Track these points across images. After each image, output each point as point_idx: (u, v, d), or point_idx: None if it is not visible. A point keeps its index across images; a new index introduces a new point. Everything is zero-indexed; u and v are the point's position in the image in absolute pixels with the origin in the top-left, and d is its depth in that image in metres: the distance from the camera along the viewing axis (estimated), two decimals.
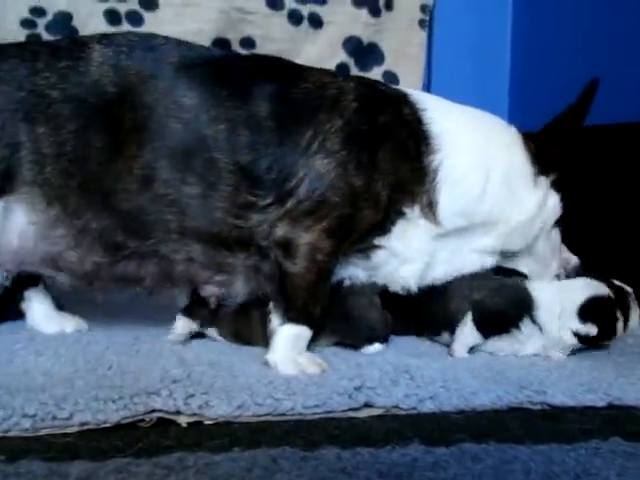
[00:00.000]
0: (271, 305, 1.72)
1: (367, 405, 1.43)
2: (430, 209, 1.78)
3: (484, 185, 1.82)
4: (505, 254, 1.94)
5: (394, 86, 2.00)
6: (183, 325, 1.84)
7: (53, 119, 1.70)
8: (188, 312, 1.86)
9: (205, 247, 1.73)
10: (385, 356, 1.76)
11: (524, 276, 1.92)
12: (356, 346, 1.81)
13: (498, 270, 1.93)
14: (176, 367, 1.57)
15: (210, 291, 1.81)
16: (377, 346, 1.82)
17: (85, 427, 1.29)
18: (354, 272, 1.86)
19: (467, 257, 1.90)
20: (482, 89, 3.27)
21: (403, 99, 1.84)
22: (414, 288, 1.87)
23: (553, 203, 1.95)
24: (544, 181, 1.92)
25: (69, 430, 1.29)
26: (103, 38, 1.78)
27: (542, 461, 1.19)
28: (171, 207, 1.69)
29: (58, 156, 1.70)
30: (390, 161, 1.73)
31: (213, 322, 1.85)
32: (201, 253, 1.74)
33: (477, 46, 3.32)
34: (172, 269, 1.77)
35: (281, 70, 1.81)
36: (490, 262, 1.92)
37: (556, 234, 2.02)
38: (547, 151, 1.91)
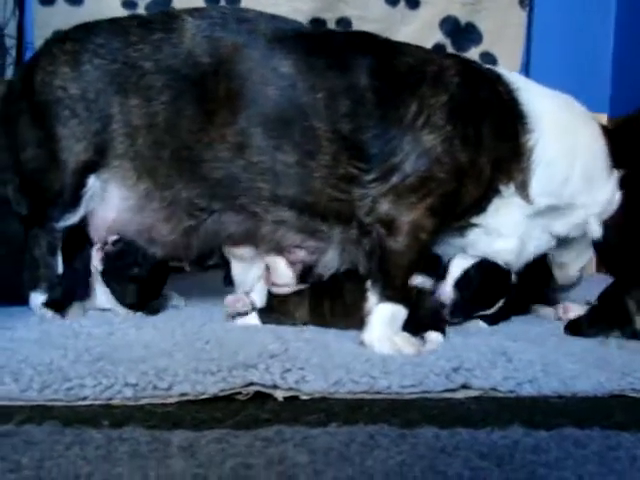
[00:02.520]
0: (368, 283, 1.69)
1: (464, 386, 1.40)
2: (523, 188, 1.75)
3: (571, 169, 1.79)
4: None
5: (486, 65, 1.96)
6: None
7: (145, 90, 1.72)
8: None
9: (299, 214, 1.72)
10: (481, 338, 1.72)
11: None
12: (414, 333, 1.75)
13: None
14: (273, 342, 1.57)
15: (298, 256, 1.78)
16: (435, 336, 1.76)
17: (184, 398, 1.30)
18: (445, 249, 1.83)
19: (543, 238, 1.87)
20: (583, 73, 3.14)
21: (497, 78, 1.81)
22: (514, 264, 1.82)
23: (616, 199, 1.89)
24: (615, 175, 1.87)
25: (169, 400, 1.30)
26: (195, 11, 1.79)
27: None
28: (264, 175, 1.68)
29: (150, 127, 1.72)
30: (492, 137, 1.69)
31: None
32: (294, 219, 1.73)
33: (579, 27, 3.19)
34: (258, 228, 1.77)
35: (377, 44, 1.78)
36: (552, 245, 1.90)
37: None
38: (622, 146, 1.87)
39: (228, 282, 1.93)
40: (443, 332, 1.73)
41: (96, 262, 1.88)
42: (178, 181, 1.75)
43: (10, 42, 2.95)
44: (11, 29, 2.98)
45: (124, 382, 1.31)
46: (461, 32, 3.06)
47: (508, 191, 1.74)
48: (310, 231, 1.75)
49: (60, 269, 1.85)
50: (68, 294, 1.86)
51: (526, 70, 3.11)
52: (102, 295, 1.93)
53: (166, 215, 1.78)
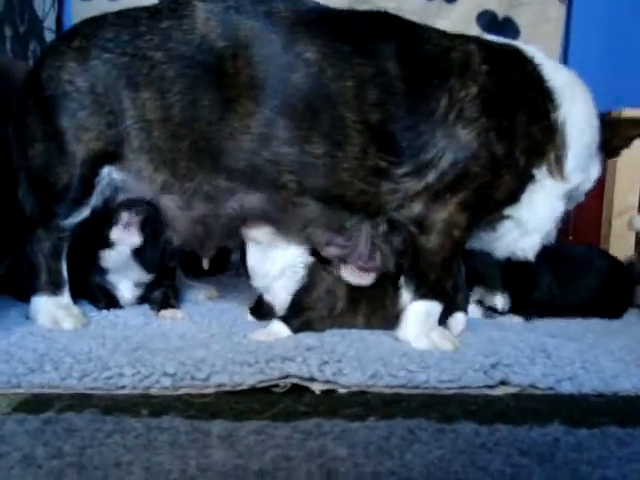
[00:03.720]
0: (401, 280, 1.67)
1: (503, 383, 1.38)
2: (557, 166, 1.70)
3: (594, 141, 1.76)
4: None
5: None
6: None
7: (157, 82, 1.65)
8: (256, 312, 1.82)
9: (326, 208, 1.67)
10: (519, 334, 1.70)
11: None
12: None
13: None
14: (309, 336, 1.56)
15: (330, 253, 1.74)
16: (461, 317, 1.76)
17: (222, 388, 1.31)
18: (475, 244, 1.80)
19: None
20: (622, 68, 3.07)
21: (518, 55, 1.72)
22: (531, 258, 1.80)
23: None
24: (600, 158, 1.82)
25: (207, 391, 1.30)
26: None
27: None
28: (290, 166, 1.63)
29: (165, 120, 1.66)
30: (526, 124, 1.64)
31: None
32: (321, 212, 1.68)
33: (619, 22, 3.13)
34: (284, 221, 1.71)
35: (401, 28, 1.70)
36: None
37: None
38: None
39: (242, 269, 1.86)
40: (466, 311, 1.74)
41: (130, 237, 1.83)
42: (199, 172, 1.69)
43: (49, 36, 2.97)
44: (50, 22, 3.00)
45: (162, 371, 1.31)
46: (498, 26, 3.02)
47: (540, 174, 1.69)
48: (338, 226, 1.70)
49: (66, 274, 1.76)
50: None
51: (564, 64, 3.06)
52: (128, 292, 1.91)
53: (185, 205, 1.74)
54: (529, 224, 1.73)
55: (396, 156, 1.60)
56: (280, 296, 1.73)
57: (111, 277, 1.88)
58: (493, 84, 1.63)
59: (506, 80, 1.65)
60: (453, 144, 1.59)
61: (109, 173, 1.71)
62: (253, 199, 1.67)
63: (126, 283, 1.89)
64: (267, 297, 1.76)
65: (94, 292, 1.88)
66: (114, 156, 1.69)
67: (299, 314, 1.68)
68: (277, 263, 1.72)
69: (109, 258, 1.84)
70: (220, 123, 1.62)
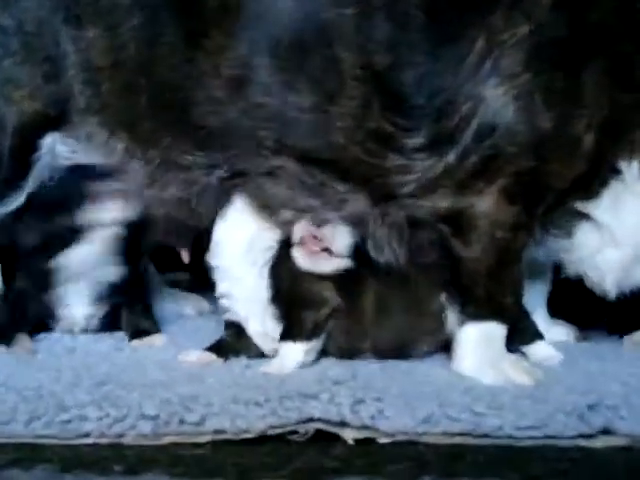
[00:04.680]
0: (443, 297, 1.65)
1: (605, 431, 1.35)
2: None
3: None
4: None
5: None
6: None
7: (105, 14, 1.63)
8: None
9: (314, 172, 1.63)
10: (627, 364, 1.68)
11: None
12: (516, 345, 1.72)
13: None
14: (336, 365, 1.56)
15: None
16: (544, 346, 1.74)
17: (221, 436, 1.29)
18: (537, 254, 1.74)
19: None
20: None
21: None
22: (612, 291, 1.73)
23: None
24: None
25: (200, 439, 1.29)
26: None
27: None
28: (269, 122, 1.60)
29: (116, 66, 1.65)
30: (601, 88, 1.53)
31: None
32: (309, 178, 1.64)
33: None
34: (264, 190, 1.68)
35: None
36: None
37: None
38: None
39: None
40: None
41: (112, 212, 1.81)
42: (164, 134, 1.67)
43: None
44: None
45: (139, 413, 1.30)
46: None
47: (631, 171, 1.62)
48: (322, 194, 1.65)
49: None
50: (14, 319, 1.82)
51: None
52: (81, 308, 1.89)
53: (152, 179, 1.72)
54: (613, 233, 1.66)
55: (407, 118, 1.54)
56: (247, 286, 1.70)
57: (61, 288, 1.85)
58: (557, 24, 1.53)
59: (581, 19, 1.54)
60: (480, 108, 1.50)
61: (52, 144, 1.70)
62: (230, 171, 1.67)
63: (81, 296, 1.86)
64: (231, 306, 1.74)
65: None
66: (57, 120, 1.68)
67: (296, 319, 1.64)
68: (246, 233, 1.71)
69: (72, 257, 1.81)
70: (185, 66, 1.61)
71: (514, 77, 1.49)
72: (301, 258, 1.62)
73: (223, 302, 1.75)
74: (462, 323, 1.61)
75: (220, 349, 1.69)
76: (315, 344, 1.62)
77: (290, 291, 1.66)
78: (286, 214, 1.68)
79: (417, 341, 1.70)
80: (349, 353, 1.67)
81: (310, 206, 1.66)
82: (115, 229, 1.80)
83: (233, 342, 1.72)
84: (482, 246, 1.56)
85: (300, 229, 1.62)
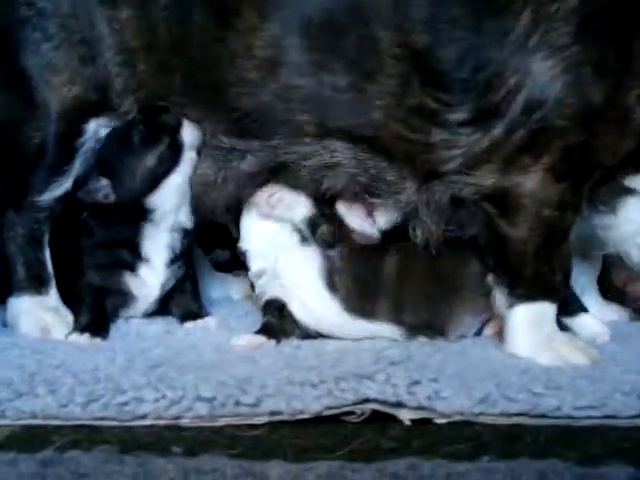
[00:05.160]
0: (490, 279, 1.63)
1: None
2: None
3: None
4: None
5: None
6: None
7: None
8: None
9: (356, 151, 1.62)
10: None
11: None
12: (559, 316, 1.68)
13: None
14: (390, 346, 1.55)
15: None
16: (590, 319, 1.72)
17: (277, 417, 1.29)
18: (579, 232, 1.70)
19: None
20: None
21: None
22: None
23: None
24: None
25: (257, 421, 1.29)
26: None
27: None
28: (305, 104, 1.59)
29: (150, 47, 1.65)
30: None
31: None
32: (351, 158, 1.63)
33: None
34: (300, 174, 1.68)
35: None
36: None
37: None
38: None
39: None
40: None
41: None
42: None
43: None
44: None
45: (196, 395, 1.30)
46: None
47: None
48: (371, 176, 1.65)
49: (50, 267, 1.76)
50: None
51: None
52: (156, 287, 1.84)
53: None
54: None
55: (450, 93, 1.52)
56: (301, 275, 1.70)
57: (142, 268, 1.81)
58: None
59: None
60: (528, 82, 1.48)
61: (96, 129, 1.70)
62: (264, 154, 1.67)
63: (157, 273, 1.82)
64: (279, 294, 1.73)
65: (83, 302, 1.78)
66: (100, 105, 1.69)
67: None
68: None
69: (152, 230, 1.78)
70: (217, 46, 1.60)
71: (563, 49, 1.47)
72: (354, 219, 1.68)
73: (258, 284, 1.75)
74: (511, 305, 1.59)
75: (268, 331, 1.68)
76: None
77: None
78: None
79: (450, 319, 1.69)
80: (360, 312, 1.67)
81: (359, 191, 1.67)
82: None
83: (277, 322, 1.71)
84: (529, 226, 1.54)
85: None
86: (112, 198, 1.66)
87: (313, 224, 1.70)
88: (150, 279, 1.79)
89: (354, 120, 1.58)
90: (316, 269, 1.68)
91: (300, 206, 1.71)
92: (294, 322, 1.70)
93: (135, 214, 1.73)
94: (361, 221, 1.69)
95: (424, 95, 1.53)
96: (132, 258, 1.77)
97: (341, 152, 1.62)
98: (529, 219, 1.54)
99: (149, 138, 1.68)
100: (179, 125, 1.68)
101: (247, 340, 1.64)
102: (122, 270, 1.78)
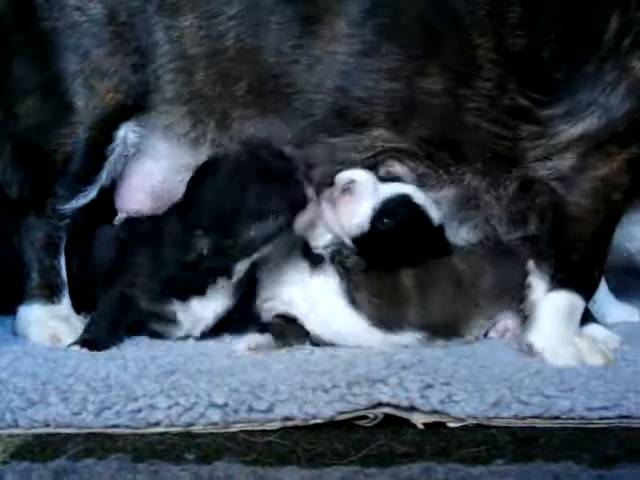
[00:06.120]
0: (531, 264, 1.64)
1: None
2: None
3: None
4: None
5: None
6: None
7: (204, 3, 1.62)
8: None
9: (422, 159, 1.65)
10: None
11: None
12: None
13: None
14: (402, 350, 1.55)
15: None
16: (600, 329, 1.70)
17: (290, 423, 1.29)
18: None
19: None
20: None
21: None
22: None
23: None
24: None
25: (270, 426, 1.29)
26: None
27: None
28: (391, 106, 1.61)
29: (214, 56, 1.63)
30: None
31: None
32: (411, 165, 1.66)
33: None
34: None
35: None
36: None
37: None
38: None
39: None
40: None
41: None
42: (258, 122, 1.67)
43: None
44: None
45: (209, 402, 1.30)
46: None
47: None
48: (432, 179, 1.68)
49: (65, 274, 1.75)
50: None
51: None
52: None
53: None
54: None
55: (546, 93, 1.57)
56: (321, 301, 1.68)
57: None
58: None
59: None
60: (626, 79, 1.54)
61: (125, 135, 1.68)
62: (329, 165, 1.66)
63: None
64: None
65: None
66: (133, 110, 1.67)
67: None
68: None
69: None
70: (295, 52, 1.60)
71: None
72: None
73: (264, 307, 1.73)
74: (549, 290, 1.60)
75: (272, 332, 1.68)
76: None
77: None
78: None
79: (468, 324, 1.70)
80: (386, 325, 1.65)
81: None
82: None
83: (284, 327, 1.69)
84: (595, 208, 1.58)
85: None
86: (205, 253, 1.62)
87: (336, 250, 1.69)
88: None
89: (441, 124, 1.61)
90: (335, 291, 1.66)
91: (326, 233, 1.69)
92: (304, 332, 1.68)
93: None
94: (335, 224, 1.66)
95: (519, 95, 1.58)
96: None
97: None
98: (597, 201, 1.57)
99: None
100: None
101: (247, 341, 1.63)
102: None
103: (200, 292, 1.65)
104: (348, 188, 1.62)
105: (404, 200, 1.65)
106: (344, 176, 1.64)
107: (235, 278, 1.65)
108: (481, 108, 1.58)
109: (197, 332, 1.70)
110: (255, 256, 1.61)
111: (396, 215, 1.64)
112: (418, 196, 1.66)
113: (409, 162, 1.64)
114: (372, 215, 1.63)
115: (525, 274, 1.64)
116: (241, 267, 1.63)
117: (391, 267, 1.66)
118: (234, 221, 1.56)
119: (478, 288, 1.70)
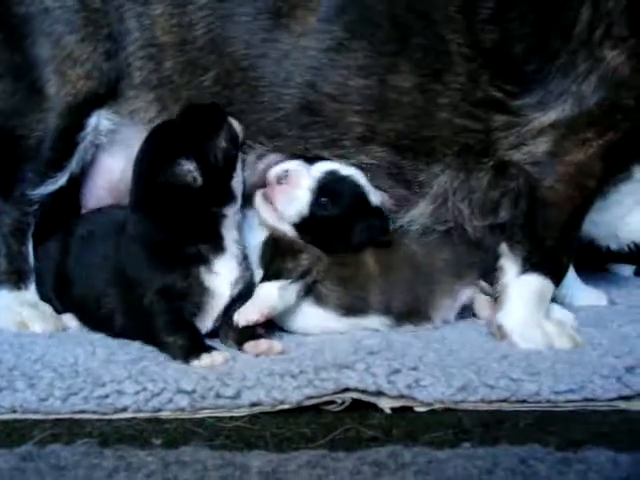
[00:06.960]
0: (503, 247, 1.65)
1: None
2: None
3: None
4: None
5: None
6: None
7: None
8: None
9: (397, 155, 1.66)
10: None
11: None
12: None
13: None
14: (370, 336, 1.55)
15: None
16: (557, 309, 1.73)
17: (257, 409, 1.29)
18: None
19: None
20: None
21: None
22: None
23: None
24: None
25: (238, 412, 1.29)
26: None
27: None
28: (361, 104, 1.61)
29: (184, 45, 1.64)
30: None
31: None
32: (387, 160, 1.67)
33: None
34: None
35: None
36: None
37: None
38: None
39: None
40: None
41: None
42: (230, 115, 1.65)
43: None
44: None
45: (176, 388, 1.30)
46: None
47: None
48: (403, 177, 1.68)
49: (32, 261, 1.73)
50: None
51: None
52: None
53: None
54: None
55: (518, 84, 1.58)
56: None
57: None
58: None
59: None
60: (599, 68, 1.55)
61: (97, 122, 1.68)
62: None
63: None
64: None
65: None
66: (105, 97, 1.67)
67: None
68: None
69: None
70: (264, 45, 1.60)
71: (625, 40, 1.54)
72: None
73: None
74: (521, 273, 1.61)
75: None
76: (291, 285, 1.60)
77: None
78: None
79: (431, 304, 1.70)
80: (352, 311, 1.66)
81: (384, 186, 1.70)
82: None
83: None
84: (568, 193, 1.59)
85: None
86: (199, 181, 1.54)
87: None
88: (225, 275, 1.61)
89: (414, 120, 1.62)
90: (296, 292, 1.63)
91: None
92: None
93: (221, 199, 1.60)
94: (273, 216, 1.65)
95: (492, 88, 1.59)
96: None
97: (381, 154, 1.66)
98: (571, 186, 1.59)
99: (215, 122, 1.60)
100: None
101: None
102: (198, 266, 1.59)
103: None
104: (283, 178, 1.62)
105: (336, 176, 1.66)
106: (277, 168, 1.65)
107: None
108: (452, 103, 1.59)
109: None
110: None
111: (332, 192, 1.64)
112: (349, 172, 1.68)
113: (380, 159, 1.65)
114: (310, 197, 1.63)
115: (485, 252, 1.68)
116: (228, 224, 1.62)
117: (337, 251, 1.66)
118: None
119: (434, 267, 1.71)
